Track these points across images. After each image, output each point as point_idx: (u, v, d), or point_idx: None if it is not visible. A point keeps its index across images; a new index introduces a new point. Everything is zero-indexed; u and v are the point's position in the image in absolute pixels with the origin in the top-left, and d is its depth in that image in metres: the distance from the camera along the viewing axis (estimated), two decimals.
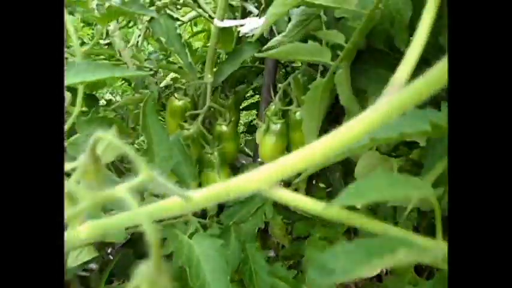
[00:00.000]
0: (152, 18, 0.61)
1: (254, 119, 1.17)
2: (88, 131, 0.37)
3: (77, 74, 0.26)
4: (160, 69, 0.75)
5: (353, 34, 0.33)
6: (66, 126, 0.35)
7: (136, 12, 0.37)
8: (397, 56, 0.36)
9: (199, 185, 0.61)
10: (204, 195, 0.20)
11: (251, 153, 0.84)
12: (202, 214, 0.69)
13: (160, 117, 1.05)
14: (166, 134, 0.46)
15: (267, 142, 0.59)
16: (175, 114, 0.63)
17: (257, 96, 1.01)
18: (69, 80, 0.26)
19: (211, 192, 0.20)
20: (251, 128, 0.98)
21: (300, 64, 0.64)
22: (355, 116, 0.27)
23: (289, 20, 0.55)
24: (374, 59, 0.38)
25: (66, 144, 0.35)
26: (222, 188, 0.20)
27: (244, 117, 1.27)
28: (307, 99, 0.41)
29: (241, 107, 0.84)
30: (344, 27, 0.38)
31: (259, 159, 0.69)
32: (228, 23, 0.58)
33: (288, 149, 0.61)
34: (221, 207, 0.65)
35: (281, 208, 0.73)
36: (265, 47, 0.52)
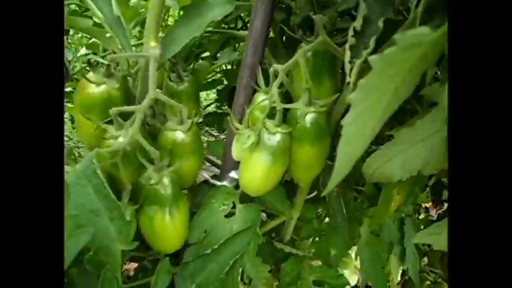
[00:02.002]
0: None
1: (213, 102, 0.90)
2: None
3: None
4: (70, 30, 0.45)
5: None
6: None
7: None
8: None
9: (138, 236, 0.35)
10: None
11: (215, 160, 0.59)
12: None
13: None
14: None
15: (256, 164, 0.35)
16: (90, 110, 0.35)
17: (220, 71, 0.75)
18: None
19: None
20: (211, 118, 0.73)
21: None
22: None
23: None
24: None
25: None
26: None
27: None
28: (382, 63, 0.16)
29: None
30: None
31: (231, 175, 0.45)
32: None
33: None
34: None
35: (263, 247, 0.51)
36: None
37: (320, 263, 0.56)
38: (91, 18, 0.35)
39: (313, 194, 0.56)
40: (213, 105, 0.92)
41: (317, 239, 0.60)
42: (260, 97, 0.38)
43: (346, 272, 0.90)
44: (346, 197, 0.59)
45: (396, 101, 0.20)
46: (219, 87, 0.77)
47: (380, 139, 0.51)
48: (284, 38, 0.56)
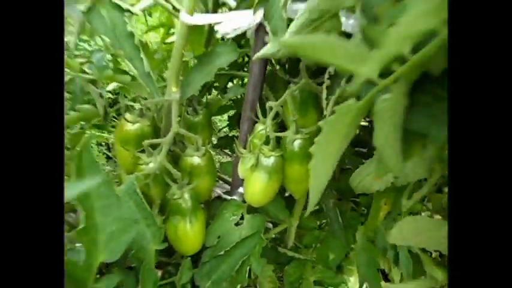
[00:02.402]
0: (90, 8, 0.43)
1: (225, 127, 1.01)
2: None
3: None
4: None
5: (430, 43, 0.20)
6: None
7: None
8: None
9: (165, 239, 0.45)
10: None
11: (227, 178, 0.68)
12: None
13: (105, 142, 0.86)
14: (115, 195, 0.29)
15: (256, 181, 0.44)
16: (128, 143, 0.46)
17: (230, 100, 0.85)
18: None
19: None
20: (223, 141, 0.83)
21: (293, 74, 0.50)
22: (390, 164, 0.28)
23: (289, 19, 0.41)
24: (442, 88, 0.25)
25: None
26: None
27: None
28: (329, 128, 0.26)
29: None
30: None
31: (239, 191, 0.55)
32: (200, 20, 0.42)
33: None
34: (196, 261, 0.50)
35: (269, 252, 0.59)
36: (260, 53, 0.37)
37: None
38: (127, 73, 0.46)
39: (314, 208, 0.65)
40: (226, 128, 1.02)
41: (318, 245, 0.67)
42: (259, 127, 0.47)
43: (352, 280, 0.96)
44: (343, 207, 0.67)
45: (342, 146, 0.29)
46: (230, 113, 0.87)
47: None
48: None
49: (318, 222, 0.72)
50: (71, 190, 0.20)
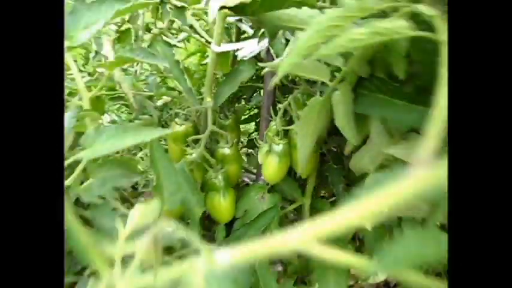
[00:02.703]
0: (150, 45, 0.61)
1: (253, 132, 1.18)
2: (100, 174, 0.38)
3: (106, 141, 0.27)
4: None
5: (351, 59, 0.34)
6: (77, 171, 0.35)
7: (144, 60, 0.38)
8: (394, 83, 0.37)
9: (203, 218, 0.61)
10: (241, 255, 0.21)
11: (254, 171, 0.84)
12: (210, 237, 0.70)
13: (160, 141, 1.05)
14: (173, 168, 0.46)
15: (270, 163, 0.59)
16: (177, 140, 0.63)
17: (255, 108, 1.01)
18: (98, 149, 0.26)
19: (248, 251, 0.21)
20: (251, 143, 0.99)
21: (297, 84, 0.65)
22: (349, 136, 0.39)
23: (286, 41, 0.56)
24: (374, 85, 0.38)
25: (79, 190, 0.36)
26: (259, 247, 0.21)
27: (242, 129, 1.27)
28: (304, 116, 0.41)
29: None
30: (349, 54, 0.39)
31: (262, 178, 0.70)
32: (225, 48, 0.59)
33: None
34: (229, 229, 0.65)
35: (287, 224, 0.73)
36: (265, 70, 0.53)
37: None
38: (175, 89, 0.64)
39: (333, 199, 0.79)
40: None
41: None
42: (272, 124, 0.63)
43: None
44: (351, 189, 0.80)
45: (316, 128, 0.43)
46: (257, 120, 1.04)
47: None
48: None
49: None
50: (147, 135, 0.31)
